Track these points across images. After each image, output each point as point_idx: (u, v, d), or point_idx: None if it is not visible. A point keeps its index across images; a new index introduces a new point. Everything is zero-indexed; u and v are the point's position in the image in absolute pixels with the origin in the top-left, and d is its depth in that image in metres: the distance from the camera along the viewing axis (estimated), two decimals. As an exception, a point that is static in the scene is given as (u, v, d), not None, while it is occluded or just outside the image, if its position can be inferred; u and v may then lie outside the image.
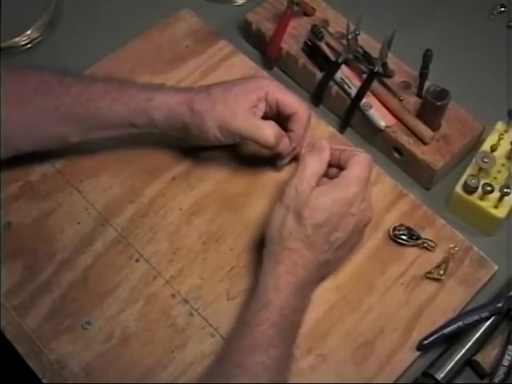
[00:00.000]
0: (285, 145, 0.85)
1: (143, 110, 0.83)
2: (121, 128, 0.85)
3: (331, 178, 0.79)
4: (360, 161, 0.78)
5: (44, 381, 0.76)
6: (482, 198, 0.85)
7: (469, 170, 0.87)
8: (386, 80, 0.93)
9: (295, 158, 0.89)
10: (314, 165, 0.77)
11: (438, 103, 0.87)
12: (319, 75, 0.96)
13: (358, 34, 0.93)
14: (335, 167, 0.80)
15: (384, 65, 0.92)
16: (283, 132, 0.84)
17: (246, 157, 0.91)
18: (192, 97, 0.83)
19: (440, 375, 0.77)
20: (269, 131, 0.82)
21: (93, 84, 0.85)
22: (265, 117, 0.84)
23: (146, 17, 1.04)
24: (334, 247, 0.77)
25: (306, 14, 1.00)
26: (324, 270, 0.79)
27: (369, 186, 0.78)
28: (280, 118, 0.85)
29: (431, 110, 0.88)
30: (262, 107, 0.84)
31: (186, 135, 0.85)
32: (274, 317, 0.72)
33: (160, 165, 0.90)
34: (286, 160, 0.88)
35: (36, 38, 1.04)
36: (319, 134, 0.91)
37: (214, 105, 0.82)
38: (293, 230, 0.75)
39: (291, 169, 0.89)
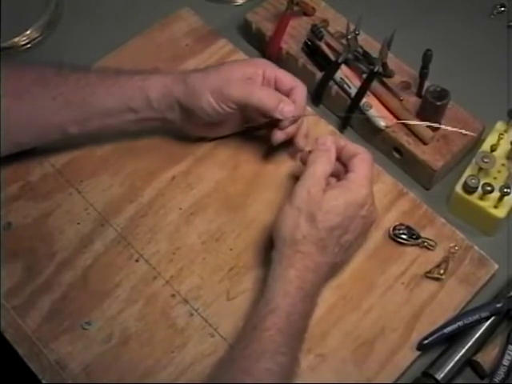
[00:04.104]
0: (286, 107, 0.81)
1: (139, 89, 0.84)
2: (119, 114, 0.85)
3: (334, 174, 0.78)
4: (364, 160, 0.78)
5: (44, 381, 0.76)
6: (481, 198, 0.85)
7: (469, 170, 0.87)
8: (385, 80, 0.93)
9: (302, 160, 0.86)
10: (323, 166, 0.77)
11: (438, 103, 0.87)
12: (319, 75, 0.96)
13: (357, 34, 0.93)
14: (336, 159, 0.79)
15: (384, 65, 0.92)
16: (284, 97, 0.82)
17: (246, 156, 0.91)
18: (188, 74, 0.84)
19: (440, 375, 0.77)
20: (261, 94, 0.82)
21: (89, 73, 0.86)
22: None
23: (146, 16, 1.04)
24: (344, 249, 0.77)
25: (305, 14, 1.00)
26: (331, 273, 0.79)
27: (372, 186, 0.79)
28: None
29: (431, 109, 0.88)
30: (258, 81, 0.84)
31: (181, 115, 0.85)
32: (281, 322, 0.71)
33: (159, 165, 0.90)
34: (286, 129, 0.83)
35: (36, 38, 1.04)
36: (319, 132, 0.91)
37: (208, 74, 0.83)
38: (306, 232, 0.74)
39: (289, 169, 0.89)
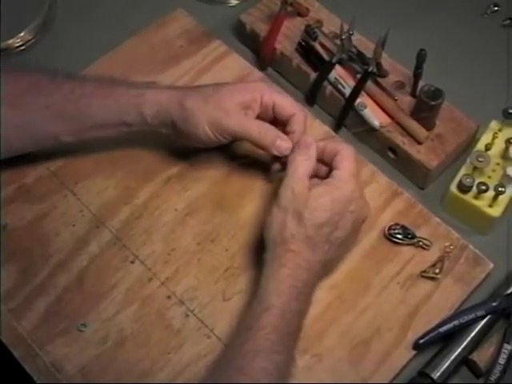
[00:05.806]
0: (283, 144, 0.80)
1: (134, 105, 0.83)
2: (112, 128, 0.84)
3: (318, 175, 0.79)
4: (347, 156, 0.77)
5: (38, 382, 0.76)
6: (476, 197, 0.85)
7: (463, 170, 0.87)
8: (380, 80, 0.93)
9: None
10: (304, 163, 0.77)
11: (433, 103, 0.87)
12: (313, 75, 0.96)
13: (351, 34, 0.93)
14: (320, 162, 0.79)
15: (378, 64, 0.92)
16: (281, 133, 0.81)
17: (241, 158, 0.91)
18: (184, 93, 0.83)
19: (436, 374, 0.77)
20: (259, 129, 0.81)
21: (84, 82, 0.85)
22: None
23: (140, 17, 1.04)
24: (335, 246, 0.77)
25: (299, 15, 1.00)
26: (324, 270, 0.79)
27: (360, 180, 0.78)
28: (277, 122, 0.83)
29: (425, 109, 0.88)
30: (256, 109, 0.82)
31: (175, 133, 0.84)
32: (276, 321, 0.72)
33: (154, 166, 0.90)
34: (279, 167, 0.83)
35: (29, 40, 1.04)
36: (314, 133, 0.90)
37: (206, 102, 0.81)
38: (294, 231, 0.74)
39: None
